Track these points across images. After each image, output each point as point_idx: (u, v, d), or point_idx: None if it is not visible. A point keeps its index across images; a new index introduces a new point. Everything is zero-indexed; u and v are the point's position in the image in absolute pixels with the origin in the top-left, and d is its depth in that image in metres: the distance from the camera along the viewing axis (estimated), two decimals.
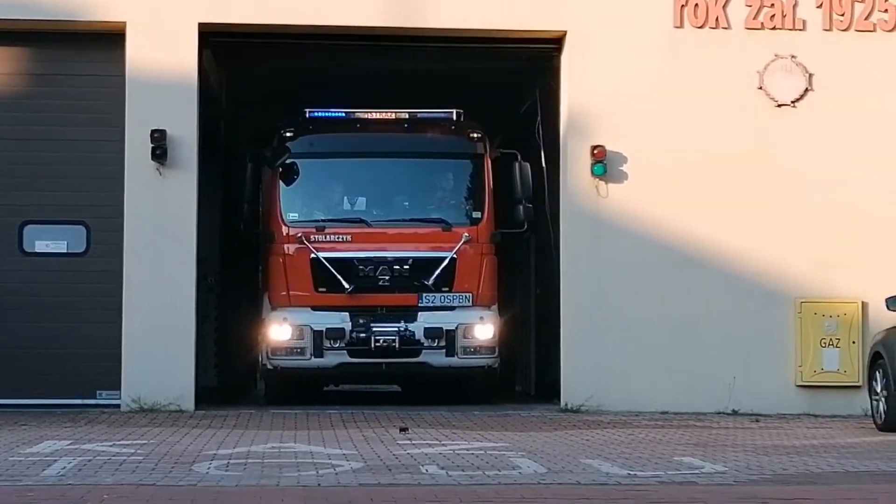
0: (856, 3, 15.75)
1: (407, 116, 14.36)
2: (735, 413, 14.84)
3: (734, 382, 15.05)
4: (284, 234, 13.90)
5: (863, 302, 15.45)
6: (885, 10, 15.78)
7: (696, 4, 15.53)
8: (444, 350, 13.42)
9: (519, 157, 14.55)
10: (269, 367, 13.95)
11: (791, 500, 7.57)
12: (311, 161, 14.11)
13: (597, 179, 14.73)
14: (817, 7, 15.70)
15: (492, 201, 14.11)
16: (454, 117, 14.44)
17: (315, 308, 13.59)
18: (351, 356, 13.42)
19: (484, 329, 13.58)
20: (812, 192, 15.63)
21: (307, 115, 14.29)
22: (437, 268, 13.49)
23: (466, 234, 13.74)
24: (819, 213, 15.66)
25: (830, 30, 15.75)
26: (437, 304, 13.63)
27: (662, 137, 15.33)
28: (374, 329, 13.35)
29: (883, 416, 13.39)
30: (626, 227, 15.53)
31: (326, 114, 14.51)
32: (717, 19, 15.54)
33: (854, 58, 15.88)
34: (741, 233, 15.59)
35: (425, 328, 13.42)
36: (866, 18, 15.77)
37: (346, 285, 13.39)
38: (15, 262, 16.04)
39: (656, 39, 15.54)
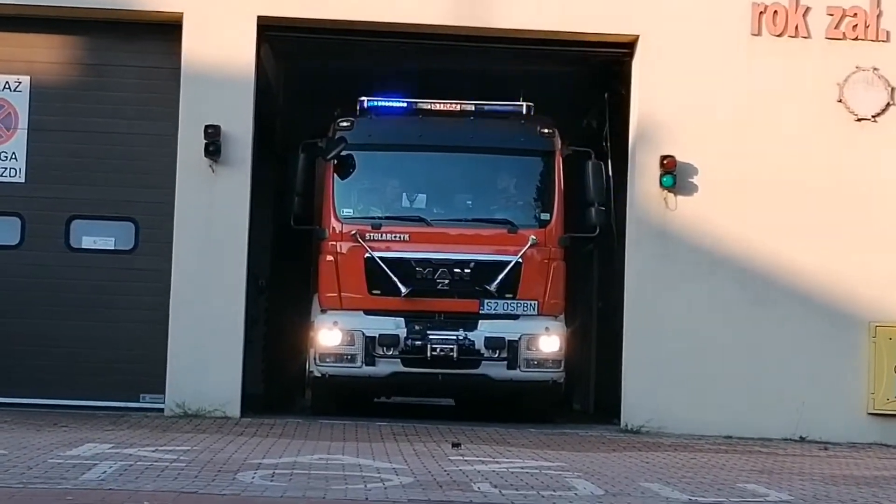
0: None
1: (473, 108, 13.61)
2: (803, 440, 14.38)
3: (802, 407, 14.60)
4: (337, 231, 13.16)
5: None
6: None
7: (776, 12, 15.13)
8: (505, 362, 12.64)
9: (593, 155, 13.83)
10: (317, 374, 13.23)
11: None
12: (367, 153, 13.49)
13: (665, 191, 14.35)
14: None
15: (562, 202, 13.31)
16: (524, 111, 13.60)
17: (368, 312, 12.83)
18: (405, 365, 12.65)
19: (550, 341, 12.78)
20: (890, 211, 15.14)
21: (365, 105, 13.60)
22: (500, 272, 12.71)
23: (533, 237, 12.88)
24: None
25: None
26: (500, 311, 12.78)
27: (735, 150, 14.93)
28: (431, 337, 12.54)
29: None
30: (695, 242, 15.11)
31: (386, 103, 13.82)
32: (796, 28, 15.07)
33: None
34: (814, 252, 15.14)
35: (486, 337, 12.59)
36: None
37: (403, 288, 12.63)
38: (61, 257, 15.80)
39: (733, 47, 15.12)
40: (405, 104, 13.85)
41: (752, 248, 15.08)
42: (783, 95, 14.98)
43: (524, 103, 13.65)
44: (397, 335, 12.54)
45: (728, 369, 14.62)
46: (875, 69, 14.98)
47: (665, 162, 14.22)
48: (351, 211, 13.23)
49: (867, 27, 15.12)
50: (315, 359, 13.07)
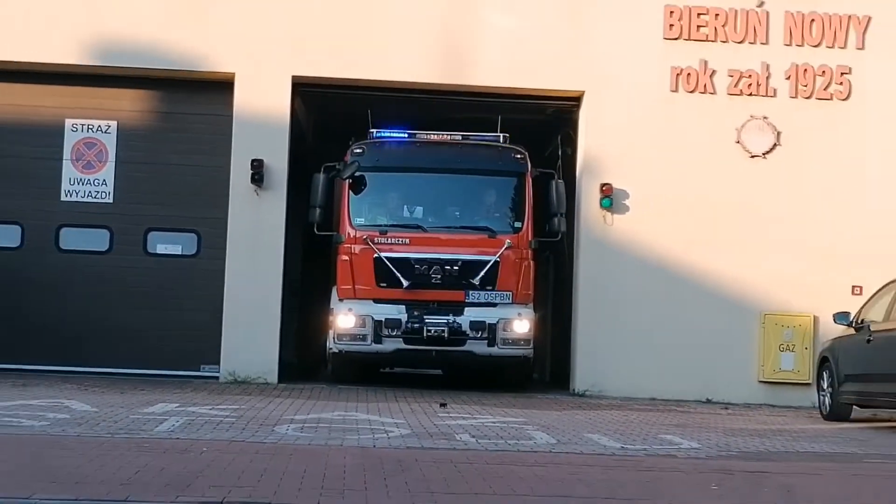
0: (817, 77, 16.24)
1: (460, 139, 14.45)
2: (709, 401, 15.41)
3: (710, 377, 15.80)
4: (351, 236, 13.86)
5: (814, 316, 15.87)
6: (841, 83, 16.21)
7: (689, 73, 16.06)
8: (486, 341, 13.38)
9: (556, 176, 14.70)
10: (336, 350, 13.90)
11: (752, 472, 8.17)
12: (375, 174, 14.12)
13: (604, 211, 15.33)
14: (786, 79, 16.20)
15: (531, 213, 14.14)
16: (501, 140, 14.50)
17: (376, 301, 13.53)
18: (406, 343, 13.39)
19: (521, 324, 13.57)
20: (776, 227, 16.03)
21: (375, 136, 14.41)
22: (482, 269, 13.48)
23: (508, 241, 13.69)
24: (781, 243, 16.09)
25: (796, 97, 16.20)
26: (482, 300, 13.53)
27: (659, 179, 15.88)
28: (427, 321, 13.28)
29: (828, 408, 14.03)
30: (628, 249, 16.04)
31: (391, 135, 14.56)
32: (704, 86, 16.11)
33: (814, 120, 16.28)
34: (720, 258, 16.09)
35: (471, 321, 13.35)
36: (825, 89, 16.24)
37: (404, 282, 13.41)
38: (140, 260, 16.80)
39: (656, 100, 16.00)
40: (406, 136, 14.58)
41: (671, 254, 16.02)
42: (695, 137, 15.90)
43: (501, 134, 14.36)
44: (400, 319, 13.21)
45: (653, 347, 15.52)
46: (765, 117, 16.01)
47: (604, 188, 15.16)
48: (362, 220, 13.87)
49: (759, 85, 16.13)
50: (334, 338, 13.68)
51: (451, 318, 13.27)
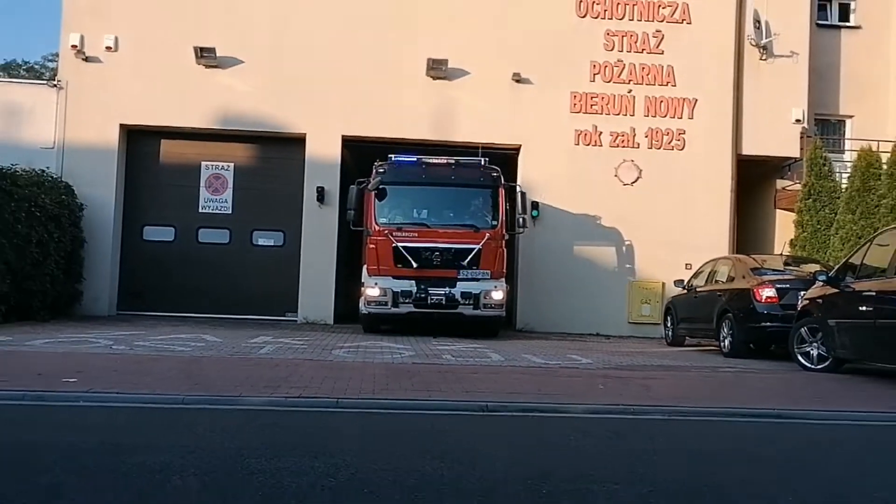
0: (664, 136, 17.93)
1: (454, 161, 14.43)
2: (598, 335, 16.88)
3: (599, 319, 17.45)
4: (376, 230, 13.83)
5: (663, 282, 17.35)
6: (679, 140, 17.96)
7: (586, 133, 17.74)
8: (472, 305, 13.55)
9: (519, 188, 15.09)
10: (365, 312, 13.95)
11: (623, 377, 9.32)
12: (392, 187, 14.11)
13: (534, 219, 16.88)
14: (645, 136, 17.88)
15: (503, 214, 14.15)
16: (482, 163, 14.58)
17: (394, 277, 13.59)
18: (415, 307, 13.53)
19: (497, 294, 13.72)
20: (639, 227, 17.65)
21: (393, 159, 14.49)
22: (469, 255, 13.57)
23: (488, 234, 13.74)
24: (642, 237, 17.78)
25: (651, 148, 17.89)
26: (469, 277, 13.62)
27: (567, 198, 17.48)
28: (430, 292, 13.45)
29: (670, 338, 15.52)
30: (548, 239, 17.48)
31: (405, 158, 14.60)
32: (595, 141, 17.84)
33: (663, 162, 17.88)
34: (606, 246, 17.88)
35: (461, 292, 13.51)
36: (669, 143, 17.96)
37: (414, 264, 13.46)
38: (248, 248, 18.26)
39: (565, 150, 17.59)
40: (415, 159, 14.53)
41: (575, 244, 17.73)
42: (589, 173, 17.52)
43: (482, 158, 14.65)
44: (411, 291, 13.44)
45: (564, 300, 16.99)
46: (632, 160, 17.84)
47: (534, 203, 16.59)
48: (384, 219, 13.94)
49: (628, 140, 17.87)
50: (364, 303, 13.81)
51: (447, 289, 13.45)
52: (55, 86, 17.76)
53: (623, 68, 17.82)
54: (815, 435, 6.32)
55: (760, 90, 18.03)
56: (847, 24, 19.51)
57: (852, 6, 19.57)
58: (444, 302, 13.42)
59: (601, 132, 17.78)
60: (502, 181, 14.20)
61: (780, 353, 11.68)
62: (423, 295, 13.41)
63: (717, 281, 14.20)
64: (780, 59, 18.05)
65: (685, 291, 14.99)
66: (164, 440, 5.07)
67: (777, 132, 18.00)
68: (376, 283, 13.49)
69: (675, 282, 15.50)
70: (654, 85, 17.89)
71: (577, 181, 17.28)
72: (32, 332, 12.12)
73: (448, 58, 17.13)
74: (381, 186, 13.97)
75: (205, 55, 16.95)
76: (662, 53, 17.90)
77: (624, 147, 17.87)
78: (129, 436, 5.25)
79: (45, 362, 8.57)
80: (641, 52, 17.90)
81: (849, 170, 16.74)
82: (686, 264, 16.74)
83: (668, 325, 15.62)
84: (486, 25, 17.47)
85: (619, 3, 17.86)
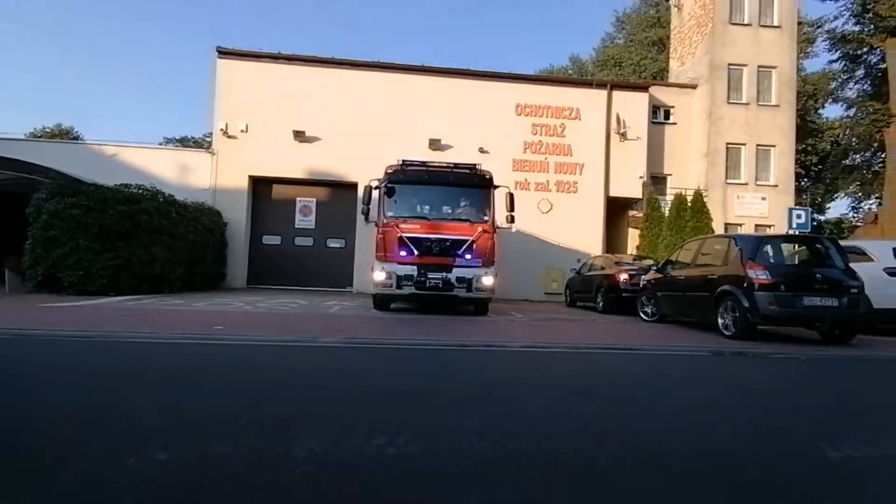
0: (565, 184, 19.54)
1: (453, 165, 12.16)
2: (526, 300, 17.90)
3: (527, 290, 18.49)
4: (384, 223, 11.52)
5: (564, 270, 18.19)
6: (574, 187, 19.61)
7: (521, 182, 18.61)
8: (465, 288, 11.23)
9: (508, 189, 12.49)
10: (375, 292, 11.69)
11: (542, 326, 9.41)
12: (400, 186, 11.86)
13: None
14: (555, 185, 19.45)
15: (493, 211, 11.81)
16: (477, 167, 12.15)
17: (399, 263, 11.26)
18: (417, 289, 11.19)
19: (486, 279, 11.39)
20: (551, 237, 19.13)
21: (402, 162, 12.10)
22: (464, 245, 11.27)
23: (480, 228, 11.47)
24: (533, 245, 18.88)
25: (558, 191, 19.51)
26: (464, 264, 11.28)
27: (517, 221, 17.31)
28: (430, 276, 11.17)
29: (567, 302, 16.34)
30: (502, 243, 16.00)
31: (412, 161, 12.28)
32: (526, 187, 18.66)
33: (564, 199, 19.49)
34: (536, 248, 18.88)
35: (456, 277, 11.19)
36: (568, 189, 19.66)
37: (416, 252, 11.17)
38: (324, 249, 18.84)
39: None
40: (420, 162, 12.33)
41: (515, 246, 18.05)
42: (523, 206, 16.57)
43: (476, 164, 12.36)
44: (413, 275, 11.10)
45: (505, 276, 15.45)
46: (547, 199, 19.21)
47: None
48: (392, 213, 11.64)
49: (545, 186, 19.28)
50: (373, 285, 11.54)
51: (444, 274, 11.19)
52: (210, 153, 19.00)
53: (542, 145, 19.52)
54: (645, 361, 6.32)
55: (620, 158, 19.74)
56: (669, 121, 21.84)
57: (671, 111, 21.85)
58: (440, 285, 11.12)
59: (529, 182, 19.36)
60: (493, 183, 12.01)
61: (630, 311, 12.26)
62: (423, 279, 11.10)
63: (595, 268, 14.98)
64: (631, 140, 19.94)
65: (577, 274, 15.94)
66: (275, 363, 5.25)
67: (629, 183, 19.78)
68: (383, 269, 11.28)
69: (570, 269, 16.88)
70: (560, 155, 19.55)
71: (516, 211, 16.54)
72: (196, 297, 12.71)
73: (441, 137, 18.73)
74: (389, 185, 11.82)
75: (298, 135, 18.16)
76: (565, 136, 19.59)
77: (542, 191, 19.44)
78: (256, 360, 5.33)
79: (203, 317, 8.61)
80: (553, 136, 19.58)
81: (669, 205, 18.14)
82: (577, 259, 18.09)
83: (567, 294, 16.62)
84: (462, 118, 19.01)
85: (539, 107, 19.63)
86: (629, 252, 19.27)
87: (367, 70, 19.21)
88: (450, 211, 11.89)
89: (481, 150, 18.85)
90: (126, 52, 68.81)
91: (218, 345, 6.11)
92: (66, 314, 8.47)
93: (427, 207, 11.89)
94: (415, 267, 11.17)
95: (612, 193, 19.64)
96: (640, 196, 19.49)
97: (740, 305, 8.49)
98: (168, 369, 4.80)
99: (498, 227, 11.85)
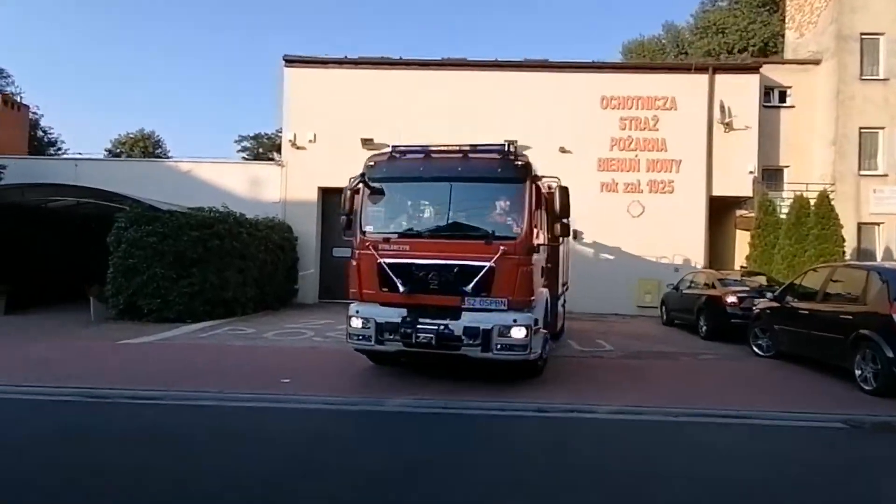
0: (659, 183, 18.09)
1: (468, 148, 8.09)
2: (616, 314, 17.15)
3: (616, 303, 17.71)
4: (361, 242, 8.13)
5: (659, 281, 17.35)
6: (671, 186, 18.18)
7: (607, 184, 18.24)
8: (480, 346, 7.53)
9: (557, 181, 8.65)
10: (351, 346, 8.19)
11: (628, 361, 9.17)
12: (384, 185, 8.28)
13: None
14: (647, 185, 18.21)
15: (530, 218, 7.75)
16: (505, 148, 8.12)
17: (382, 303, 7.88)
18: (405, 346, 7.73)
19: (517, 330, 7.56)
20: (643, 245, 17.88)
21: (393, 149, 8.42)
22: (477, 275, 7.54)
23: (503, 247, 7.58)
24: (646, 251, 17.94)
25: (651, 192, 18.25)
26: (477, 306, 7.63)
27: (597, 225, 17.49)
28: (419, 327, 7.58)
29: (664, 319, 15.58)
30: (586, 249, 17.49)
31: (407, 147, 8.37)
32: (613, 189, 18.30)
33: (659, 202, 18.15)
34: (623, 256, 18.04)
35: (464, 327, 7.56)
36: (662, 189, 18.28)
37: (401, 287, 7.68)
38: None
39: (593, 196, 17.65)
40: (420, 149, 8.31)
41: (604, 251, 18.03)
42: (609, 210, 17.65)
43: (506, 141, 8.43)
44: (397, 323, 7.70)
45: (594, 288, 16.77)
46: (638, 201, 18.27)
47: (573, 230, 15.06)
48: (371, 227, 8.23)
49: (635, 187, 17.99)
50: (347, 336, 8.14)
51: (445, 323, 7.59)
52: (280, 165, 19.10)
53: (632, 141, 18.40)
54: (765, 442, 5.58)
55: (725, 151, 18.24)
56: (785, 104, 19.87)
57: (788, 92, 19.88)
58: (433, 341, 7.47)
59: (617, 183, 18.46)
60: (532, 172, 7.95)
61: (738, 339, 11.47)
62: (409, 331, 7.58)
63: (696, 285, 14.12)
64: (738, 130, 18.34)
65: (675, 290, 15.12)
66: (355, 436, 5.41)
67: (736, 179, 18.24)
68: (358, 313, 7.94)
69: (667, 285, 15.93)
70: (653, 151, 18.36)
71: (602, 215, 17.63)
72: (268, 322, 12.73)
73: (518, 138, 17.15)
74: (374, 184, 8.16)
75: (367, 142, 17.58)
76: (658, 130, 18.37)
77: (633, 192, 18.40)
78: (330, 442, 5.47)
79: (273, 357, 8.83)
80: (644, 130, 18.42)
81: (787, 205, 16.81)
82: (675, 268, 17.49)
83: (663, 311, 15.82)
84: (540, 116, 18.16)
85: (628, 98, 18.46)
86: (737, 262, 18.09)
87: (435, 69, 18.78)
88: (460, 220, 7.98)
89: (562, 150, 18.08)
90: (201, 54, 73.22)
91: (283, 410, 6.18)
92: (139, 357, 9.06)
93: (425, 216, 8.29)
94: (404, 311, 7.71)
95: (716, 192, 18.23)
96: (750, 194, 17.93)
97: (883, 356, 7.41)
98: (235, 460, 4.70)
99: (550, 242, 8.70)
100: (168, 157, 33.87)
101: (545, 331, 8.19)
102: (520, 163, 7.82)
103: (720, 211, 18.87)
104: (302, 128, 18.49)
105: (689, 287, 14.29)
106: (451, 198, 7.93)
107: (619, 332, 13.08)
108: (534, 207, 7.78)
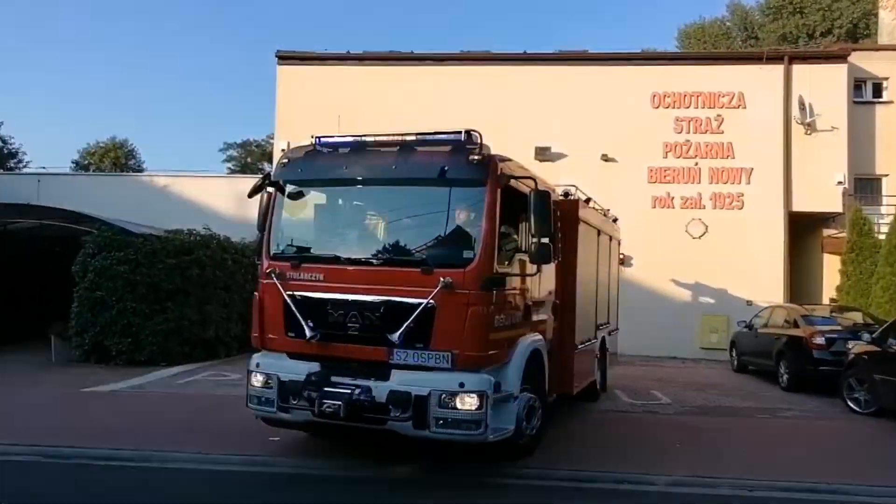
0: (725, 197, 16.99)
1: (413, 139, 6.02)
2: (674, 357, 16.27)
3: (675, 345, 16.37)
4: (265, 268, 6.14)
5: (728, 316, 16.21)
6: (738, 201, 16.92)
7: (660, 199, 17.19)
8: (412, 420, 5.38)
9: (535, 184, 5.98)
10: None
11: (692, 421, 8.28)
12: (298, 191, 6.33)
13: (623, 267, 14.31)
14: (710, 199, 17.02)
15: (491, 238, 5.52)
16: (463, 138, 5.80)
17: (291, 355, 5.97)
18: (315, 416, 5.60)
19: (464, 400, 5.37)
20: (706, 272, 16.62)
21: (314, 141, 6.29)
22: (408, 317, 5.41)
23: (447, 279, 5.31)
24: (709, 279, 16.72)
25: (715, 208, 17.00)
26: (411, 362, 5.50)
27: (648, 249, 15.78)
28: (325, 390, 5.57)
29: (735, 365, 14.67)
30: (637, 282, 15.68)
31: (333, 140, 6.30)
32: (668, 204, 17.05)
33: (724, 219, 16.88)
34: (681, 286, 16.80)
35: (390, 392, 5.47)
36: (730, 204, 16.89)
37: (308, 332, 5.72)
38: None
39: (644, 212, 16.73)
40: (351, 141, 6.22)
41: (658, 284, 16.50)
42: (663, 230, 16.55)
43: (466, 130, 5.84)
44: (299, 383, 5.74)
45: (647, 328, 15.38)
46: (700, 219, 16.82)
47: (622, 255, 12.98)
48: (277, 248, 6.22)
49: (695, 202, 16.87)
50: (246, 399, 6.25)
51: (369, 384, 5.56)
52: None
53: (690, 146, 17.59)
54: None
55: (807, 158, 17.32)
56: (880, 99, 18.72)
57: (884, 85, 18.85)
58: (341, 411, 5.51)
59: (672, 197, 17.72)
60: (500, 171, 5.82)
61: (827, 390, 10.85)
62: (313, 394, 5.71)
63: (774, 325, 13.48)
64: (823, 132, 17.23)
65: (747, 329, 14.43)
66: None
67: (822, 192, 17.25)
68: (258, 366, 6.25)
69: (738, 322, 14.91)
70: (717, 158, 17.48)
71: (654, 237, 16.86)
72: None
73: (550, 145, 17.16)
74: (275, 187, 6.50)
75: None
76: (723, 133, 17.53)
77: (692, 208, 17.64)
78: None
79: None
80: (705, 133, 17.56)
81: (887, 223, 15.91)
82: (748, 301, 16.47)
83: (734, 354, 15.18)
84: (579, 118, 17.62)
85: (685, 95, 17.80)
86: (825, 294, 16.97)
87: (453, 64, 18.09)
88: (392, 240, 6.28)
89: (605, 158, 17.43)
90: (184, 55, 68.89)
91: (273, 476, 5.83)
92: (106, 411, 8.43)
93: (343, 234, 6.68)
94: (316, 364, 6.04)
95: (797, 208, 17.36)
96: (840, 210, 17.08)
97: None
98: None
99: (526, 272, 6.38)
100: (142, 172, 33.60)
101: (531, 396, 6.33)
102: (477, 157, 5.80)
103: (803, 231, 18.09)
104: (297, 134, 15.75)
105: (766, 325, 13.68)
106: (381, 207, 6.52)
107: (678, 380, 12.33)
108: (498, 221, 5.81)
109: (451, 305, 5.53)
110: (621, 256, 12.13)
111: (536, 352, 6.64)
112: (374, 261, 6.00)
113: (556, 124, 17.28)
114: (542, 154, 17.06)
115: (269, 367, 6.20)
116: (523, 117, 17.13)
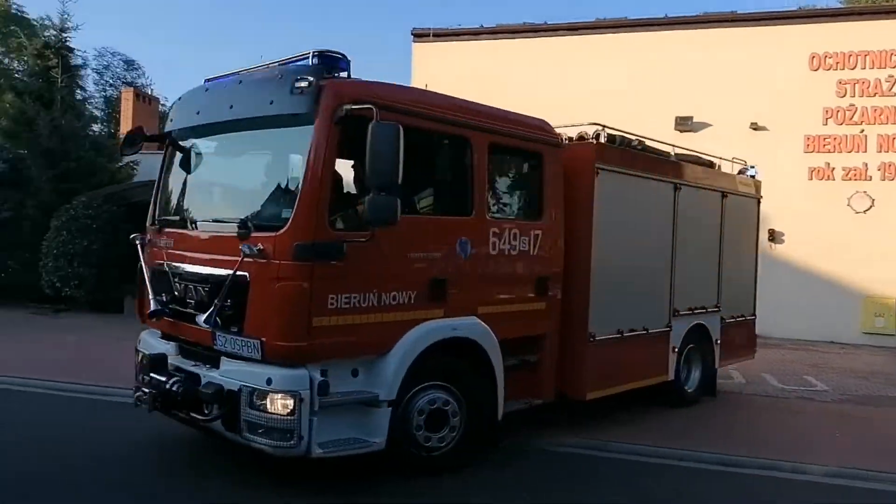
0: None
1: (250, 71, 4.96)
2: (832, 342, 15.15)
3: (835, 329, 15.19)
4: (146, 235, 5.62)
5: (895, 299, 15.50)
6: None
7: (818, 170, 15.81)
8: (220, 420, 4.43)
9: (376, 114, 4.10)
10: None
11: (856, 412, 7.80)
12: (174, 139, 5.51)
13: (770, 243, 15.09)
14: (877, 170, 15.49)
15: (314, 192, 4.18)
16: (313, 62, 4.39)
17: (164, 333, 5.34)
18: (137, 405, 5.05)
19: (274, 400, 4.16)
20: (871, 250, 15.24)
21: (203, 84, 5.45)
22: (217, 293, 4.45)
23: (256, 246, 4.19)
24: (874, 259, 15.25)
25: (883, 179, 15.55)
26: (228, 349, 4.50)
27: (802, 224, 15.19)
28: (152, 376, 4.82)
29: None
30: (785, 262, 15.32)
31: (210, 80, 5.29)
32: (827, 175, 15.60)
33: (894, 192, 15.35)
34: (843, 266, 15.27)
35: (204, 384, 4.55)
36: None
37: (153, 304, 5.06)
38: None
39: (800, 184, 15.46)
40: (227, 77, 5.12)
41: (813, 263, 15.25)
42: (821, 203, 15.34)
43: (321, 51, 4.43)
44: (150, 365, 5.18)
45: (802, 311, 14.71)
46: (865, 192, 15.35)
47: (770, 230, 14.44)
48: (155, 211, 5.61)
49: (860, 173, 15.33)
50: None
51: (200, 373, 4.70)
52: None
53: (854, 111, 16.05)
54: None
55: None
56: None
57: None
58: (150, 404, 4.75)
59: (833, 168, 16.25)
60: (334, 103, 4.32)
61: None
62: (145, 377, 5.05)
63: None
64: None
65: None
66: None
67: None
68: (140, 342, 5.66)
69: None
70: (886, 124, 15.90)
71: (811, 211, 15.89)
72: None
73: (693, 114, 16.21)
74: (155, 139, 6.06)
75: None
76: (895, 95, 15.78)
77: (856, 180, 16.10)
78: None
79: None
80: (873, 97, 15.97)
81: None
82: None
83: None
84: (725, 85, 16.49)
85: (850, 55, 16.15)
86: None
87: (587, 33, 17.50)
88: (216, 197, 5.75)
89: (755, 127, 16.35)
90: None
91: None
92: None
93: (179, 194, 5.79)
94: (171, 346, 5.33)
95: None
96: None
97: None
98: None
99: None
100: None
101: (442, 397, 4.97)
102: (302, 84, 4.41)
103: None
104: None
105: None
106: (219, 156, 5.57)
107: (836, 366, 11.58)
108: (330, 169, 4.46)
109: (262, 280, 4.41)
110: (770, 231, 12.15)
111: (455, 341, 5.06)
112: (201, 224, 5.16)
113: (699, 92, 16.30)
114: (683, 124, 16.28)
115: (142, 346, 5.58)
116: (662, 86, 16.39)
